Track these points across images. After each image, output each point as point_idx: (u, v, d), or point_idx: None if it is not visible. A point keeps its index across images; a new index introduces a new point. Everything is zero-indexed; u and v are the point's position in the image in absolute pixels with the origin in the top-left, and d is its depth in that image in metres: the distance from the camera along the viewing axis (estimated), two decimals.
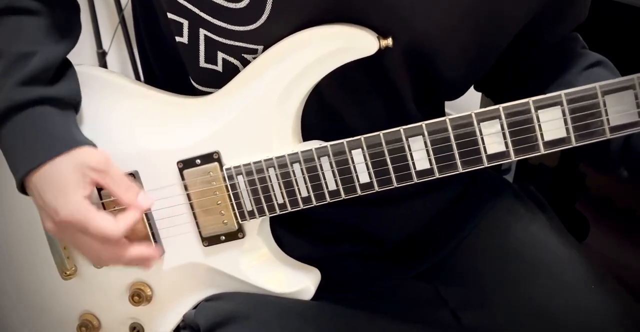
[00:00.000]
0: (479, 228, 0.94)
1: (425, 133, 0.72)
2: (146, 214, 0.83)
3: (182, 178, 0.81)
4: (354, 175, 0.76)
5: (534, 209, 0.97)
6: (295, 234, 0.90)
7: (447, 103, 0.98)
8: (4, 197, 0.91)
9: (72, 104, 0.82)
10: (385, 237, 0.94)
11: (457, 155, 0.72)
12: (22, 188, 0.78)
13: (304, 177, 0.77)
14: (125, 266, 0.83)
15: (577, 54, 0.87)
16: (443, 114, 0.97)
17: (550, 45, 0.89)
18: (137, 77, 2.10)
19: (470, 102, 1.07)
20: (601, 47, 0.88)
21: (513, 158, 0.71)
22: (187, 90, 0.84)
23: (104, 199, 0.83)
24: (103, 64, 2.14)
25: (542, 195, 1.00)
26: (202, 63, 0.80)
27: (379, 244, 0.94)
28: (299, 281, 0.84)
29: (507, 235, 0.93)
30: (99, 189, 0.82)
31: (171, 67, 0.89)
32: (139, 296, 0.87)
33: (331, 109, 0.83)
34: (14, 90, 0.75)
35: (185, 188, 0.81)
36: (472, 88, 0.95)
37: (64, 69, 0.82)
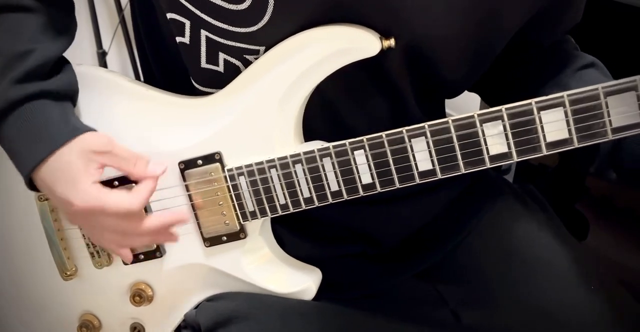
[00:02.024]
0: (479, 228, 0.94)
1: (428, 134, 0.72)
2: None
3: (184, 179, 0.81)
4: (357, 176, 0.76)
5: (534, 208, 0.97)
6: (296, 234, 0.90)
7: (447, 103, 0.98)
8: (3, 198, 0.91)
9: (69, 96, 0.81)
10: (386, 237, 0.95)
11: (459, 156, 0.72)
12: (32, 186, 0.78)
13: (306, 178, 0.77)
14: (152, 242, 0.82)
15: (570, 55, 0.88)
16: (443, 111, 0.97)
17: (545, 46, 0.89)
18: (137, 77, 2.09)
19: (470, 101, 1.07)
20: (600, 47, 0.88)
21: (515, 159, 0.71)
22: (186, 90, 0.84)
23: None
24: (103, 64, 2.13)
25: (542, 195, 1.00)
26: (204, 64, 0.79)
27: (379, 244, 0.94)
28: (300, 281, 0.84)
29: (507, 235, 0.93)
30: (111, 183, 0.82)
31: (170, 68, 0.89)
32: (140, 296, 0.87)
33: (332, 109, 0.83)
34: (9, 89, 0.75)
35: (187, 189, 0.81)
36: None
37: (60, 63, 0.82)
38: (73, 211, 0.75)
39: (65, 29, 0.83)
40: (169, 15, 0.77)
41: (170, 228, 0.79)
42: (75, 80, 0.83)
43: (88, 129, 0.78)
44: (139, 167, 0.77)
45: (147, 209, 0.83)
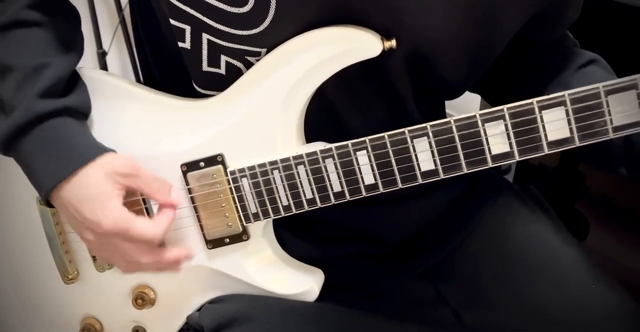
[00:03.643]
0: (480, 228, 0.95)
1: (430, 134, 0.72)
2: (148, 214, 0.83)
3: (186, 181, 0.81)
4: (359, 176, 0.76)
5: (534, 208, 0.97)
6: (298, 235, 0.91)
7: (447, 103, 0.98)
8: (5, 202, 0.90)
9: (85, 114, 0.82)
10: (387, 238, 0.95)
11: (461, 156, 0.72)
12: (47, 200, 0.78)
13: (309, 179, 0.77)
14: (156, 271, 0.82)
15: (570, 52, 0.88)
16: (444, 112, 0.98)
17: (545, 44, 0.89)
18: (137, 77, 2.09)
19: (470, 101, 1.07)
20: (599, 48, 0.89)
21: (517, 158, 0.72)
22: (187, 92, 0.84)
23: None
24: (103, 64, 2.13)
25: (542, 195, 1.00)
26: (206, 67, 0.79)
27: (381, 244, 0.95)
28: (303, 282, 0.84)
29: (508, 234, 0.93)
30: None
31: (171, 70, 0.89)
32: (142, 299, 0.87)
33: (333, 110, 0.83)
34: (34, 102, 0.75)
35: (189, 191, 0.81)
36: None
37: (73, 79, 0.82)
38: (100, 232, 0.75)
39: (75, 43, 0.83)
40: (171, 22, 0.77)
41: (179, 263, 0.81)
42: (89, 97, 0.83)
43: (110, 149, 0.79)
44: (162, 193, 0.78)
45: (149, 212, 0.83)
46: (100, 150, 0.77)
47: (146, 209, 0.83)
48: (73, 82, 0.82)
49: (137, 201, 0.81)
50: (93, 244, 0.78)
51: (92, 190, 0.75)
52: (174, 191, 0.80)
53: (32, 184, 0.78)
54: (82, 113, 0.81)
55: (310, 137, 0.81)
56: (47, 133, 0.76)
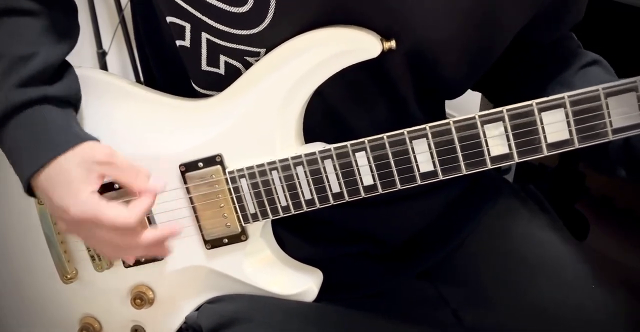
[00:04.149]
0: (480, 228, 0.94)
1: (429, 135, 0.72)
2: (148, 218, 0.83)
3: (185, 181, 0.81)
4: (358, 177, 0.76)
5: (535, 208, 0.97)
6: (296, 235, 0.90)
7: (447, 103, 0.98)
8: (2, 201, 0.90)
9: (72, 103, 0.81)
10: (387, 238, 0.95)
11: (460, 158, 0.72)
12: (30, 190, 0.78)
13: (308, 180, 0.77)
14: (144, 255, 0.81)
15: (573, 53, 0.88)
16: (444, 112, 0.97)
17: (546, 45, 0.89)
18: (137, 77, 2.09)
19: (470, 101, 1.07)
20: (600, 48, 0.89)
21: (516, 160, 0.71)
22: (187, 92, 0.84)
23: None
24: (103, 64, 2.13)
25: (542, 195, 1.00)
26: (205, 66, 0.79)
27: (380, 245, 0.94)
28: (302, 283, 0.84)
29: (508, 234, 0.93)
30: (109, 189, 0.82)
31: (171, 70, 0.89)
32: (141, 299, 0.87)
33: (333, 110, 0.83)
34: (11, 92, 0.75)
35: (188, 191, 0.81)
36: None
37: (63, 69, 0.82)
38: (68, 219, 0.75)
39: (68, 33, 0.83)
40: (169, 19, 0.77)
41: (164, 242, 0.78)
42: (78, 87, 0.83)
43: (90, 138, 0.78)
44: (140, 180, 0.76)
45: (150, 221, 0.83)
46: (79, 139, 0.76)
47: (147, 218, 0.83)
48: (62, 71, 0.81)
49: None
50: (70, 232, 0.77)
51: (64, 177, 0.74)
52: (153, 178, 0.77)
53: (16, 173, 0.78)
54: (68, 102, 0.80)
55: (310, 137, 0.81)
56: (26, 122, 0.76)
